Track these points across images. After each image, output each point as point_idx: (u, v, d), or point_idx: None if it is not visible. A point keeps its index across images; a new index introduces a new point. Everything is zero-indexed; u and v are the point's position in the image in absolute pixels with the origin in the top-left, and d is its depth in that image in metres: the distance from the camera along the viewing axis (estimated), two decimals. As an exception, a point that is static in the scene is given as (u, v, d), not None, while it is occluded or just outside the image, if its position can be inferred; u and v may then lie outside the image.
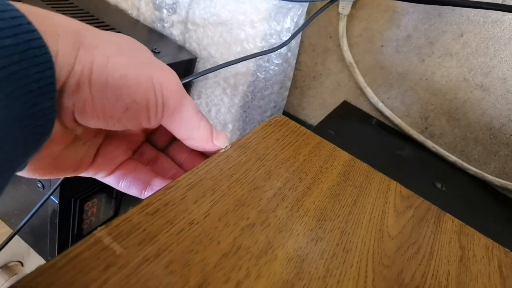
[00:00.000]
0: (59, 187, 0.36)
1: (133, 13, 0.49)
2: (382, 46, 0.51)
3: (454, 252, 0.25)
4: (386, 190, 0.28)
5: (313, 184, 0.25)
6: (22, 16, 0.12)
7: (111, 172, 0.23)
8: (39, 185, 0.39)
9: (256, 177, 0.23)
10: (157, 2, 0.45)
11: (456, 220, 0.29)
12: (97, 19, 0.47)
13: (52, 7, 0.47)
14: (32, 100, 0.13)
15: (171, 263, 0.15)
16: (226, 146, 0.24)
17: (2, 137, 0.12)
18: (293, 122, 0.31)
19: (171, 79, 0.19)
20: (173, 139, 0.26)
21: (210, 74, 0.46)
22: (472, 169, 0.48)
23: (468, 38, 0.45)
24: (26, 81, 0.13)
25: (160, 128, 0.25)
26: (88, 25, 0.16)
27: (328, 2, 0.42)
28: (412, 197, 0.29)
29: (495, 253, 0.28)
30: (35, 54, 0.13)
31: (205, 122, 0.21)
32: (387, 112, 0.52)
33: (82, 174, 0.22)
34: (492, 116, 0.46)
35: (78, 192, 0.40)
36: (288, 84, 0.53)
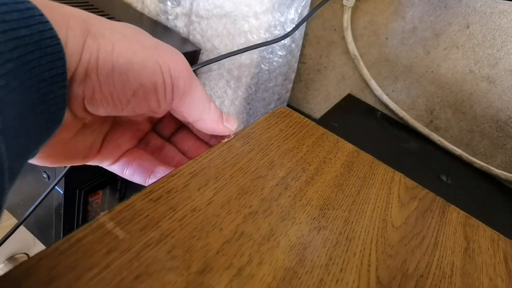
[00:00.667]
0: (63, 178, 0.36)
1: (138, 6, 0.49)
2: (387, 38, 0.50)
3: (459, 243, 0.25)
4: (390, 181, 0.28)
5: (316, 174, 0.24)
6: (34, 8, 0.13)
7: (117, 160, 0.23)
8: (44, 175, 0.39)
9: (259, 167, 0.22)
10: (161, -6, 0.44)
11: (461, 212, 0.29)
12: (102, 11, 0.47)
13: None
14: (44, 89, 0.13)
15: (173, 248, 0.15)
16: (230, 135, 0.24)
17: (17, 125, 0.12)
18: (296, 114, 0.31)
19: (178, 60, 0.19)
20: (178, 128, 0.26)
21: (214, 66, 0.46)
22: (478, 162, 0.48)
23: (475, 29, 0.44)
24: (39, 70, 0.13)
25: (166, 117, 0.25)
26: (95, 15, 0.17)
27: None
28: (416, 188, 0.29)
29: (501, 245, 0.27)
30: (47, 44, 0.13)
31: (214, 105, 0.22)
32: (392, 105, 0.52)
33: (89, 163, 0.22)
34: (499, 108, 0.46)
35: (83, 183, 0.40)
36: (292, 76, 0.52)
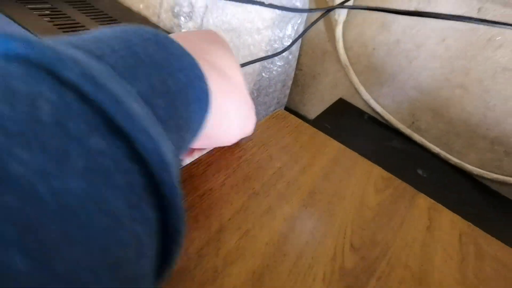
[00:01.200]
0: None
1: (154, 19, 0.54)
2: (374, 49, 0.55)
3: (422, 222, 0.30)
4: (369, 173, 0.33)
5: (307, 166, 0.29)
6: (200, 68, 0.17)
7: None
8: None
9: (260, 159, 0.27)
10: (175, 11, 0.49)
11: (428, 198, 0.34)
12: (117, 22, 0.51)
13: (83, 13, 0.52)
14: (202, 118, 0.18)
15: (197, 215, 0.20)
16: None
17: (195, 128, 0.17)
18: (292, 116, 0.36)
19: (251, 127, 0.26)
20: None
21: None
22: (453, 159, 0.52)
23: (450, 43, 0.49)
24: (202, 114, 0.17)
25: None
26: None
27: (325, 12, 0.46)
28: (392, 179, 0.34)
29: (459, 225, 0.32)
30: (203, 95, 0.17)
31: None
32: (378, 108, 0.57)
33: None
34: (471, 112, 0.50)
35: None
36: (289, 83, 0.57)
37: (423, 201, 0.33)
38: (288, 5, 0.44)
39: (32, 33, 0.43)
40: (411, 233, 0.28)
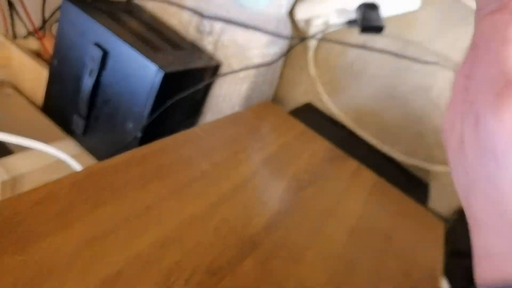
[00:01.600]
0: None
1: (183, 33, 0.74)
2: (335, 68, 0.77)
3: (350, 176, 0.51)
4: (319, 146, 0.54)
5: (279, 136, 0.50)
6: None
7: None
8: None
9: (242, 135, 0.48)
10: (200, 28, 0.70)
11: (356, 162, 0.55)
12: (161, 32, 0.71)
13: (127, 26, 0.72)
14: None
15: (197, 191, 0.40)
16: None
17: None
18: (275, 105, 0.57)
19: None
20: None
21: (229, 76, 0.72)
22: (386, 148, 0.75)
23: (385, 67, 0.72)
24: None
25: None
26: None
27: (301, 40, 0.68)
28: (336, 151, 0.55)
29: (379, 184, 0.53)
30: None
31: None
32: (335, 110, 0.79)
33: None
34: (401, 114, 0.73)
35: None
36: (274, 86, 0.79)
37: (353, 164, 0.55)
38: (277, 32, 0.66)
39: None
40: (341, 182, 0.49)
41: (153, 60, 0.56)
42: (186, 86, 0.62)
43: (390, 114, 0.74)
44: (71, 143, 0.73)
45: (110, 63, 0.60)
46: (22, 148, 0.57)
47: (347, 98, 0.78)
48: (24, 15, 1.01)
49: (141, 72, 0.57)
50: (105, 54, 0.60)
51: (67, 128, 0.71)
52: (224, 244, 0.30)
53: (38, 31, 1.00)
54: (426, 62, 0.67)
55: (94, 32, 0.61)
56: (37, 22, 1.01)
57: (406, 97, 0.71)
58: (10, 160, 0.60)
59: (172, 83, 0.58)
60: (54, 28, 0.97)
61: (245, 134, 0.46)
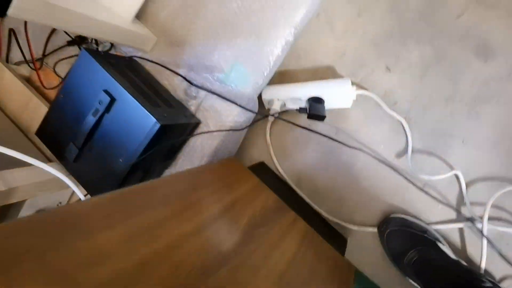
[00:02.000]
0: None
1: (172, 92, 0.91)
2: (285, 139, 0.99)
3: (287, 223, 0.69)
4: (265, 199, 0.72)
5: (236, 189, 0.67)
6: None
7: None
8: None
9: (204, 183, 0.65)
10: (188, 92, 0.87)
11: (294, 213, 0.73)
12: (157, 90, 0.87)
13: (124, 75, 0.87)
14: None
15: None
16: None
17: None
18: (238, 161, 0.75)
19: None
20: None
21: (206, 135, 0.89)
22: (317, 208, 0.95)
23: (322, 143, 0.94)
24: None
25: None
26: None
27: (263, 116, 0.89)
28: (280, 203, 0.73)
29: (309, 234, 0.71)
30: None
31: None
32: (282, 171, 0.98)
33: None
34: (330, 182, 0.94)
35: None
36: (238, 145, 0.97)
37: (292, 214, 0.73)
38: (247, 107, 0.86)
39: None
40: (282, 228, 0.66)
41: (152, 113, 0.72)
42: (171, 136, 0.78)
43: (321, 180, 0.95)
44: (55, 166, 0.83)
45: (114, 108, 0.75)
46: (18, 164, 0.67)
47: (291, 164, 0.99)
48: (25, 44, 1.11)
49: (141, 121, 0.72)
50: (112, 101, 0.74)
51: (58, 153, 0.81)
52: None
53: (36, 62, 1.10)
54: (352, 146, 0.91)
55: (104, 80, 0.75)
56: (36, 53, 1.12)
57: (335, 169, 0.93)
58: (8, 173, 0.69)
59: (163, 133, 0.74)
60: (52, 63, 1.08)
61: (214, 182, 0.61)
